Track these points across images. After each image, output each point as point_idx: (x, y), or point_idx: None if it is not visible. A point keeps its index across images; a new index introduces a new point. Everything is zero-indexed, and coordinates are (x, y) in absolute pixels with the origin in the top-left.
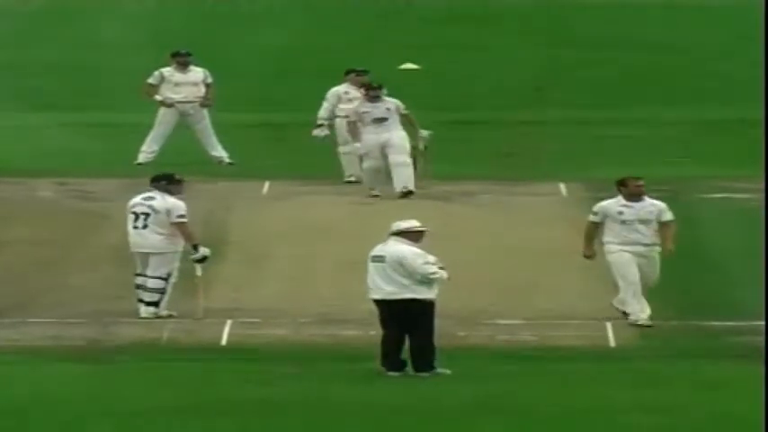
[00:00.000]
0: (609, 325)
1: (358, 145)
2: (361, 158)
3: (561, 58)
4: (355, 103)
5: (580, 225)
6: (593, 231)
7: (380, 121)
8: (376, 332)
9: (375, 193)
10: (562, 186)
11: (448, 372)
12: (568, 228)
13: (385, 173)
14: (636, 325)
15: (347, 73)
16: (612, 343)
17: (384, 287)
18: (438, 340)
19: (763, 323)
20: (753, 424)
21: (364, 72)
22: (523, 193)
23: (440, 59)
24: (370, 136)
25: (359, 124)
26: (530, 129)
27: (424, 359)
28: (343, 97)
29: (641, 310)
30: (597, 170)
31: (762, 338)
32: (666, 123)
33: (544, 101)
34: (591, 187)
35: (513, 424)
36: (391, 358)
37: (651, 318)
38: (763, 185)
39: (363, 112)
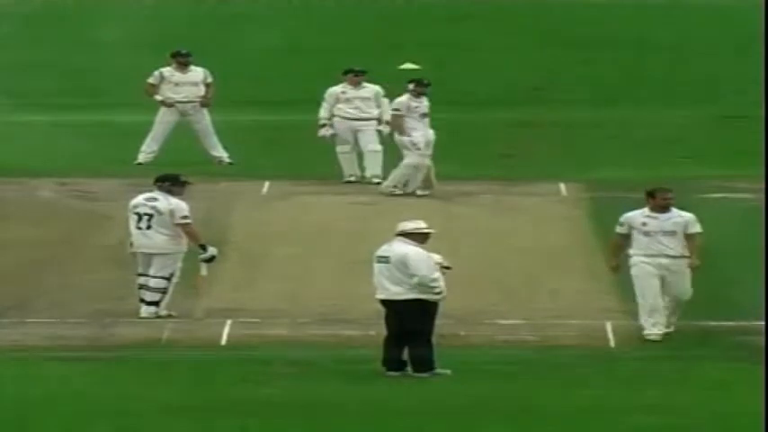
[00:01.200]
0: (609, 325)
1: (406, 138)
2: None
3: (561, 58)
4: (356, 103)
5: (580, 225)
6: (620, 242)
7: (426, 116)
8: (376, 332)
9: (398, 191)
10: (562, 186)
11: (448, 372)
12: (568, 228)
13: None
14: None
15: (345, 73)
16: (612, 343)
17: (389, 287)
18: (438, 340)
19: (763, 323)
20: (753, 424)
21: (362, 72)
22: (523, 193)
23: (440, 59)
24: (420, 132)
25: (406, 119)
26: (530, 129)
27: (424, 359)
28: (341, 97)
29: (652, 325)
30: (597, 170)
31: (762, 338)
32: (666, 123)
33: (544, 101)
34: (591, 187)
35: (513, 424)
36: (392, 358)
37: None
38: (763, 185)
39: (415, 107)
